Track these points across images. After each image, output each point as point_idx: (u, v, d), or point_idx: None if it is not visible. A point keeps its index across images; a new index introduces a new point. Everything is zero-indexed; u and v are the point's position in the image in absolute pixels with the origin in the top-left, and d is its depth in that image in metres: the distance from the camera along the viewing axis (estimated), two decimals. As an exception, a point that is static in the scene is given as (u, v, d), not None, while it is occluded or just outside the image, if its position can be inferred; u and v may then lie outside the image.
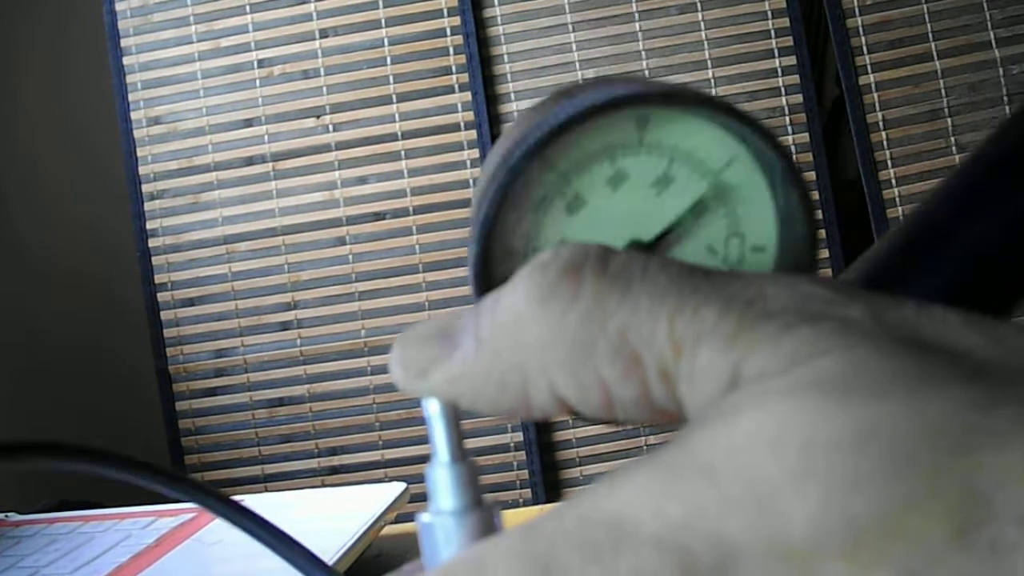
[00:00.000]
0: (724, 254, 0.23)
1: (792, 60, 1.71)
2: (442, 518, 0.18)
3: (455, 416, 0.19)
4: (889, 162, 1.68)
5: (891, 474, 0.13)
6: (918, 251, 0.24)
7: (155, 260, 1.77)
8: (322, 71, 1.76)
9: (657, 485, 0.14)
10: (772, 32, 1.72)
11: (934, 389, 0.13)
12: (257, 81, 1.77)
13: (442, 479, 0.18)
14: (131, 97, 1.77)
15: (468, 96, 1.73)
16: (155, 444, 1.77)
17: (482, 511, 0.18)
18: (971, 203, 0.23)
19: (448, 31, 1.75)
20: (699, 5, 1.72)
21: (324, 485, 1.68)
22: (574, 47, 1.74)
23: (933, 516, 0.12)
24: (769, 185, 0.23)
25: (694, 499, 0.14)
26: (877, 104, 1.70)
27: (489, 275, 0.23)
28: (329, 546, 0.54)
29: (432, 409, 0.18)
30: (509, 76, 1.74)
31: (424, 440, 1.76)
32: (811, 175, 1.70)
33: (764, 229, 0.23)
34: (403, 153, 1.74)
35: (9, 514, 0.69)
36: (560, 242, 0.22)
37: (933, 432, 0.13)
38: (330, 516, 0.59)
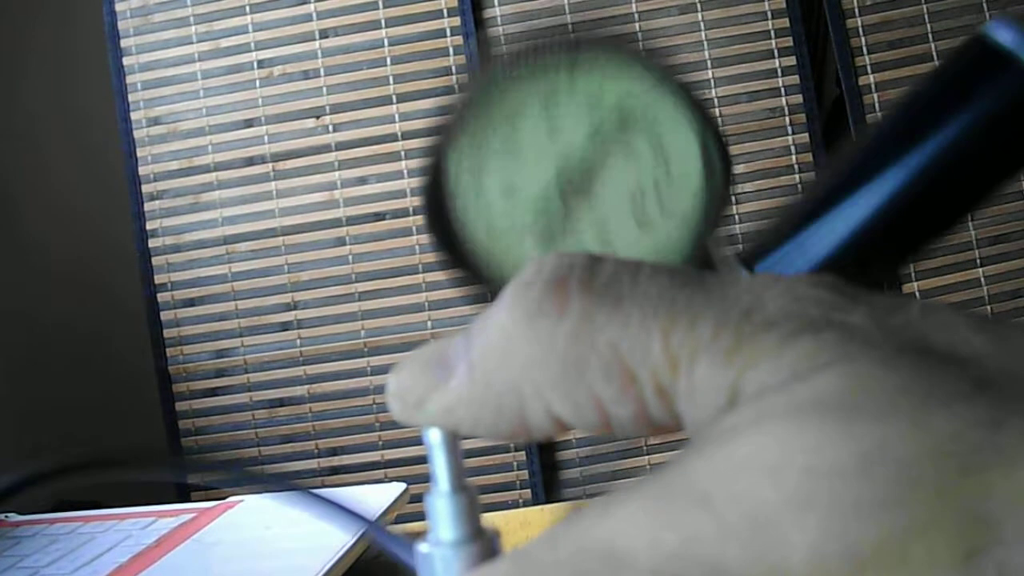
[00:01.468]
0: (656, 192, 0.27)
1: (792, 60, 1.71)
2: (441, 549, 0.18)
3: (456, 445, 0.18)
4: (889, 162, 1.68)
5: (894, 500, 0.12)
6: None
7: (155, 260, 1.77)
8: (322, 71, 1.76)
9: (652, 512, 0.14)
10: (772, 32, 1.72)
11: (939, 406, 0.13)
12: (257, 81, 1.77)
13: (441, 509, 0.18)
14: (131, 97, 1.77)
15: (468, 96, 1.73)
16: (155, 444, 1.77)
17: (482, 541, 0.18)
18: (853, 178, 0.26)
19: (448, 31, 1.75)
20: (699, 5, 1.72)
21: (324, 485, 1.68)
22: (574, 47, 1.74)
23: (938, 542, 0.12)
24: (691, 129, 0.26)
25: (690, 527, 0.13)
26: (877, 104, 1.70)
27: (443, 221, 0.26)
28: (329, 546, 0.54)
29: (433, 438, 0.18)
30: (509, 76, 1.74)
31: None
32: (811, 175, 1.70)
33: (690, 168, 0.26)
34: (403, 153, 1.74)
35: (9, 514, 0.69)
36: (508, 187, 0.26)
37: (938, 454, 0.13)
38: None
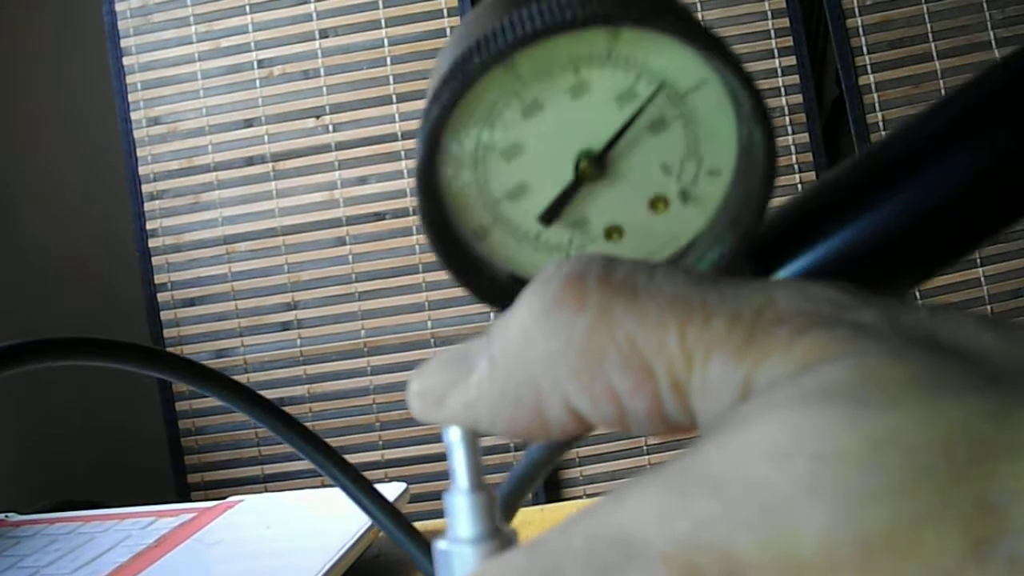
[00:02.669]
0: (678, 173, 0.23)
1: (792, 60, 1.71)
2: (459, 546, 0.18)
3: (475, 443, 0.18)
4: (889, 162, 1.68)
5: (904, 487, 0.12)
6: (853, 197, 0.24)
7: (155, 260, 1.77)
8: (322, 71, 1.76)
9: (664, 500, 0.14)
10: (772, 32, 1.72)
11: (947, 398, 0.13)
12: (257, 81, 1.77)
13: (460, 507, 0.18)
14: (131, 97, 1.77)
15: (468, 96, 1.73)
16: (155, 444, 1.77)
17: (500, 540, 0.18)
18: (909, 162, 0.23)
19: (448, 31, 1.75)
20: (699, 5, 1.72)
21: (324, 485, 1.68)
22: (574, 47, 1.74)
23: (948, 530, 0.12)
24: (735, 114, 0.23)
25: (701, 514, 0.14)
26: (877, 104, 1.70)
27: (435, 177, 0.23)
28: (329, 546, 0.54)
29: (453, 436, 0.18)
30: (509, 76, 1.74)
31: (424, 440, 1.76)
32: (811, 175, 1.70)
33: (723, 154, 0.23)
34: (403, 153, 1.74)
35: (9, 514, 0.69)
36: (513, 145, 0.23)
37: (947, 443, 0.13)
38: (330, 516, 0.59)
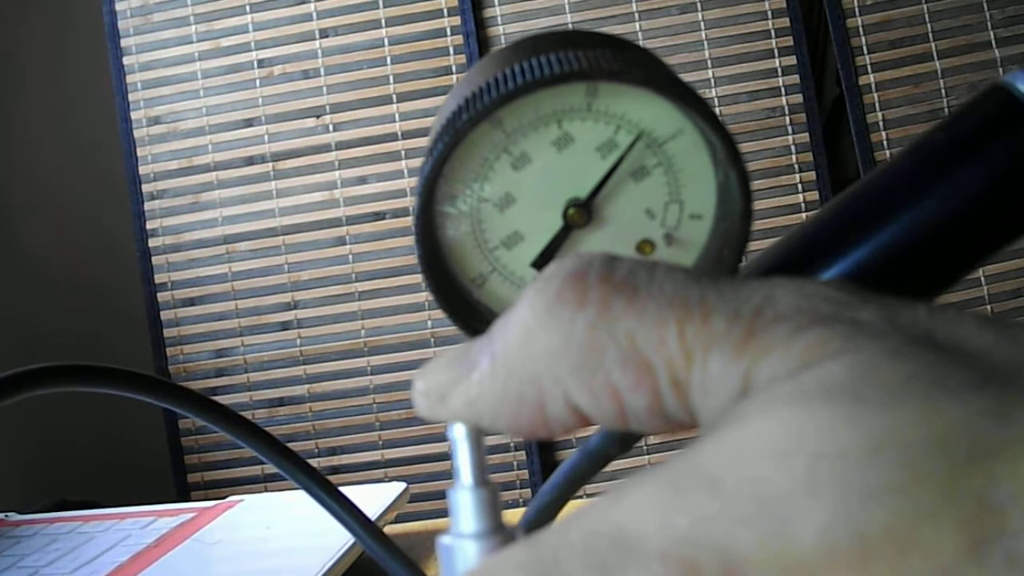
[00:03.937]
0: (662, 217, 0.24)
1: (792, 60, 1.71)
2: (462, 541, 0.18)
3: (479, 440, 0.19)
4: (889, 162, 1.68)
5: (902, 485, 0.12)
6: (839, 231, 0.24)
7: (155, 260, 1.77)
8: (322, 71, 1.76)
9: (663, 497, 0.14)
10: (772, 32, 1.72)
11: (946, 396, 0.13)
12: (257, 81, 1.77)
13: (463, 502, 0.18)
14: (131, 97, 1.77)
15: (468, 96, 1.73)
16: (155, 444, 1.77)
17: (502, 535, 0.18)
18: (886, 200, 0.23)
19: (448, 31, 1.75)
20: (699, 5, 1.72)
21: (324, 485, 1.68)
22: (574, 47, 1.73)
23: (946, 529, 0.12)
24: (711, 160, 0.24)
25: (700, 511, 0.14)
26: (877, 104, 1.70)
27: (433, 229, 0.24)
28: (329, 546, 0.54)
29: (457, 433, 0.19)
30: (509, 76, 1.74)
31: (424, 440, 1.76)
32: (811, 175, 1.70)
33: (703, 198, 0.24)
34: (403, 153, 1.74)
35: (9, 514, 0.69)
36: (505, 196, 0.24)
37: (945, 442, 0.13)
38: (330, 516, 0.59)
